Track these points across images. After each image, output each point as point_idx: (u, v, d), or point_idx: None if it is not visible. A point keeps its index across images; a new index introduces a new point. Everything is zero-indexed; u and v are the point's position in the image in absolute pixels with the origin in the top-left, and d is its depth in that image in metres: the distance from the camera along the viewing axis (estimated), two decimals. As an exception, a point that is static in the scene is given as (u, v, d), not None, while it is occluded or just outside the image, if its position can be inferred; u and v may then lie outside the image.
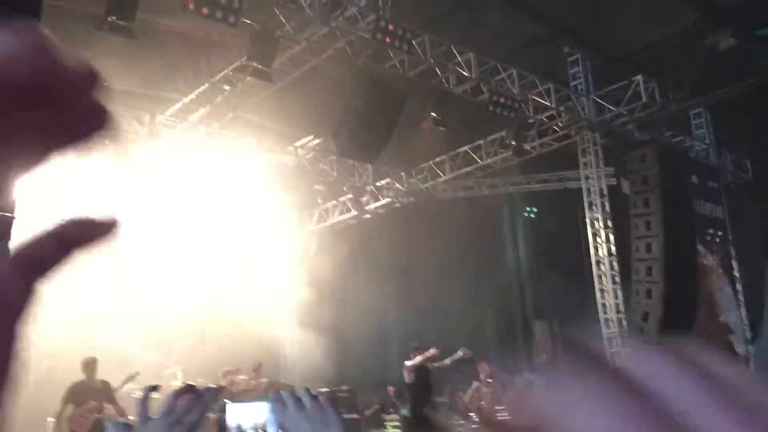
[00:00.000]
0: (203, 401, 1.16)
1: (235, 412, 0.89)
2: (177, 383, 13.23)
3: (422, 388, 11.73)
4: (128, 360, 14.46)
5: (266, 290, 16.31)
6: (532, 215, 16.16)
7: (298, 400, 1.16)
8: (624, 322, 12.67)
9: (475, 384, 13.52)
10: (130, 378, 10.41)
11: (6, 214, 6.40)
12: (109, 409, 9.81)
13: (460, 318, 14.71)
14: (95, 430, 9.32)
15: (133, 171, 13.03)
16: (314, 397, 1.17)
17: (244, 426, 0.99)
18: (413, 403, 11.73)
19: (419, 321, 14.39)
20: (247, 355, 14.37)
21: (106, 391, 9.77)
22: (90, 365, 9.98)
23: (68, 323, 13.17)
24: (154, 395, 1.20)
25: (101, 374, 10.10)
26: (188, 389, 1.21)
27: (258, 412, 1.07)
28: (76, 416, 9.44)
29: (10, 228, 6.38)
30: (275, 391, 1.19)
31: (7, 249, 0.30)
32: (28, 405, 10.06)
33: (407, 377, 11.87)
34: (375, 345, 15.34)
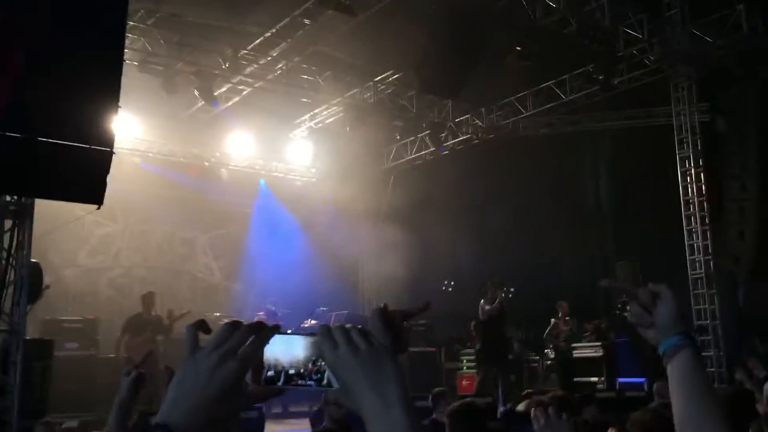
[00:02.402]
0: (260, 334, 1.07)
1: (276, 347, 0.84)
2: (264, 313, 13.68)
3: (496, 326, 11.77)
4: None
5: (342, 226, 16.51)
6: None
7: (350, 339, 1.05)
8: (711, 265, 12.27)
9: (553, 321, 13.49)
10: (182, 315, 10.98)
11: (104, 148, 6.56)
12: (161, 340, 10.51)
13: (538, 258, 14.55)
14: (148, 359, 9.99)
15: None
16: (368, 338, 1.06)
17: (285, 363, 0.91)
18: (486, 339, 11.81)
19: (495, 260, 14.31)
20: (323, 292, 14.70)
21: (159, 325, 10.56)
22: (147, 299, 10.73)
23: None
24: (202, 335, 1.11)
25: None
26: (241, 323, 1.11)
27: (302, 347, 0.96)
28: (132, 345, 10.24)
29: (109, 164, 6.55)
30: (324, 326, 1.08)
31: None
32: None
33: (482, 315, 11.91)
34: (450, 281, 15.40)
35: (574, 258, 15.26)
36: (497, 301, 11.58)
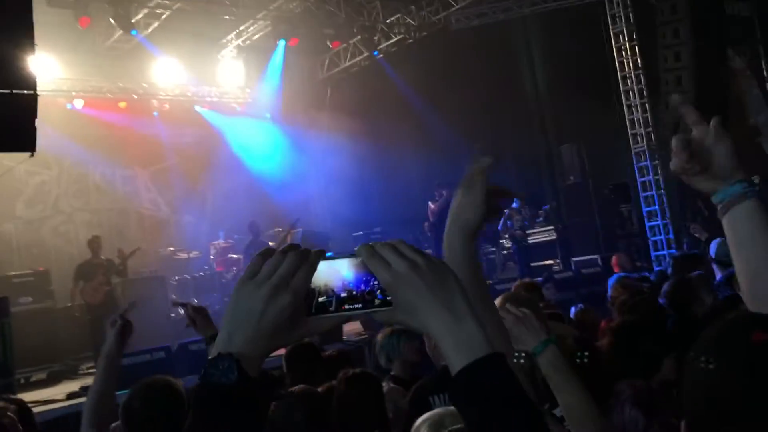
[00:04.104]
0: (309, 261, 1.02)
1: (322, 272, 0.78)
2: (219, 242, 13.56)
3: (442, 224, 11.86)
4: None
5: (284, 144, 16.27)
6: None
7: (403, 255, 0.99)
8: (653, 137, 12.54)
9: (507, 212, 13.69)
10: (132, 253, 10.92)
11: (27, 91, 6.20)
12: (118, 282, 10.45)
13: (482, 150, 14.61)
14: (107, 301, 10.06)
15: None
16: (422, 252, 1.00)
17: (334, 288, 0.85)
18: (439, 236, 11.93)
19: (439, 158, 14.32)
20: (281, 215, 14.59)
21: (111, 267, 10.48)
22: (94, 243, 10.59)
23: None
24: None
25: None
26: (292, 248, 1.04)
27: (349, 270, 0.89)
28: (86, 291, 10.16)
29: (35, 107, 6.21)
30: (365, 245, 1.02)
31: None
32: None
33: (431, 215, 12.00)
34: (397, 186, 15.39)
35: (518, 146, 15.39)
36: (442, 198, 11.63)
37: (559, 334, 1.98)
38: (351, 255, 1.03)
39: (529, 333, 1.89)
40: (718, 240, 5.45)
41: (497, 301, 4.66)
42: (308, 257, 1.02)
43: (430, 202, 12.00)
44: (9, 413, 2.92)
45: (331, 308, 1.02)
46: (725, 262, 5.52)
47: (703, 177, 1.27)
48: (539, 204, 15.05)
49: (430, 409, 2.76)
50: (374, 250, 1.00)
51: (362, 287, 1.02)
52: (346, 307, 1.02)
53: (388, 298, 1.00)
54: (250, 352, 0.98)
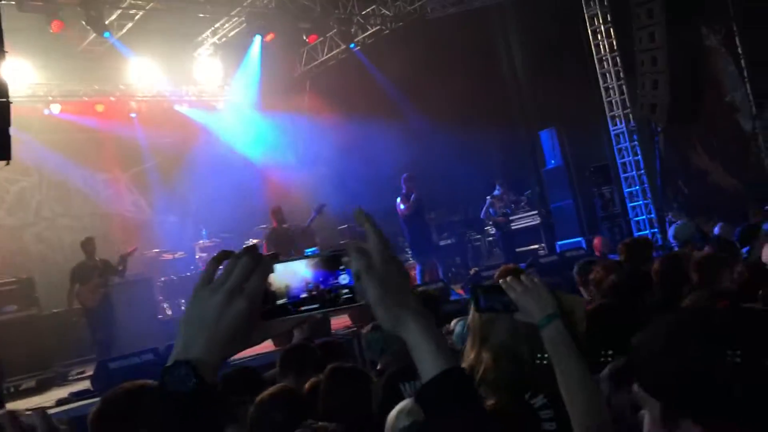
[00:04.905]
0: (263, 265, 1.02)
1: (278, 276, 0.77)
2: (203, 241, 13.50)
3: (417, 218, 11.68)
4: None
5: (266, 140, 16.23)
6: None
7: (383, 251, 1.03)
8: (631, 118, 12.62)
9: (489, 199, 13.73)
10: (130, 253, 10.90)
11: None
12: (113, 283, 10.38)
13: (462, 139, 14.60)
14: (104, 303, 10.04)
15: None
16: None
17: (291, 290, 0.84)
18: (411, 234, 11.77)
19: (419, 148, 14.31)
20: (262, 211, 14.49)
21: (107, 268, 10.31)
22: (87, 245, 10.43)
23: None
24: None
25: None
26: (233, 252, 1.04)
27: (305, 271, 0.90)
28: (82, 293, 10.06)
29: (8, 115, 6.16)
30: (353, 243, 1.05)
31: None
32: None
33: (400, 214, 11.80)
34: (378, 178, 15.29)
35: (498, 134, 15.40)
36: (412, 199, 11.43)
37: (568, 308, 1.96)
38: (307, 257, 1.04)
39: (536, 305, 1.88)
40: (678, 222, 5.55)
41: (495, 275, 4.69)
42: (262, 261, 1.01)
43: (399, 202, 11.68)
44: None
45: (290, 310, 1.03)
46: (682, 240, 5.63)
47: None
48: (521, 190, 15.11)
49: (400, 395, 2.81)
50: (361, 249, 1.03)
51: (321, 287, 1.03)
52: (305, 308, 1.03)
53: (349, 296, 1.02)
54: (207, 359, 0.98)
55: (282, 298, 1.03)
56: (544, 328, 1.88)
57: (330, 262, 1.04)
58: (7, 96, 6.03)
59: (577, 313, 2.06)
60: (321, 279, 1.03)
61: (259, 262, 1.01)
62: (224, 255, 1.04)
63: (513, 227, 13.87)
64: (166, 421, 0.96)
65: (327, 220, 14.13)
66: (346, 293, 1.03)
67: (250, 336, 1.02)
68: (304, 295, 1.03)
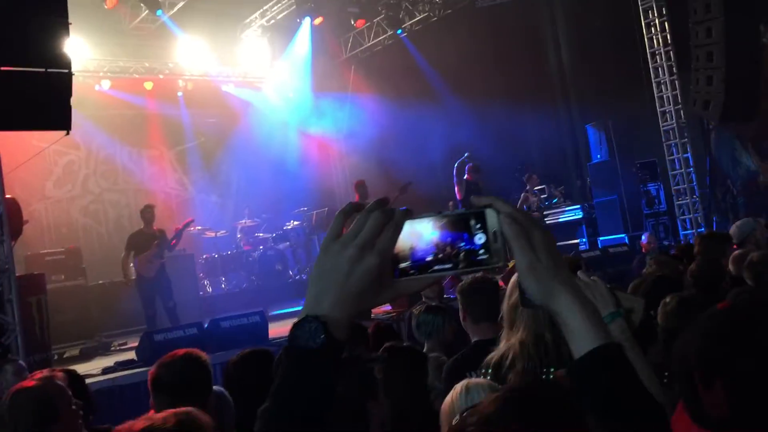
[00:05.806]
0: (395, 220, 0.98)
1: (406, 233, 0.75)
2: (245, 220, 13.57)
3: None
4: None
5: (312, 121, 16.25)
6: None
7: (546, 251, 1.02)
8: (683, 114, 12.38)
9: (523, 195, 13.59)
10: (187, 225, 10.76)
11: (62, 70, 6.25)
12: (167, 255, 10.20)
13: (504, 128, 14.46)
14: (160, 275, 9.85)
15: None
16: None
17: (419, 249, 0.82)
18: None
19: (462, 137, 14.22)
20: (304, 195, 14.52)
21: (164, 239, 10.02)
22: (146, 213, 10.17)
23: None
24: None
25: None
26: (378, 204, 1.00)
27: (434, 231, 0.86)
28: (141, 261, 9.84)
29: (70, 86, 6.25)
30: (494, 197, 1.03)
31: None
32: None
33: (458, 194, 11.86)
34: (420, 166, 15.26)
35: (542, 126, 15.21)
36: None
37: (628, 307, 1.93)
38: (434, 215, 1.01)
39: (597, 302, 1.83)
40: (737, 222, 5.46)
41: None
42: (393, 217, 0.98)
43: (456, 184, 11.83)
44: (58, 381, 2.96)
45: (418, 270, 0.99)
46: (740, 239, 5.55)
47: None
48: (560, 184, 14.89)
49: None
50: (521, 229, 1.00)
51: (451, 247, 0.99)
52: (436, 267, 0.99)
53: (482, 257, 0.98)
54: (337, 315, 0.95)
55: (409, 258, 0.99)
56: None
57: (460, 222, 1.00)
58: (69, 67, 6.14)
59: (636, 312, 2.04)
60: (451, 239, 0.99)
61: (390, 217, 0.97)
62: (353, 207, 1.01)
63: (548, 221, 13.70)
64: (295, 375, 0.94)
65: (410, 199, 14.13)
66: (482, 254, 0.99)
67: (380, 294, 0.99)
68: (430, 258, 0.99)
